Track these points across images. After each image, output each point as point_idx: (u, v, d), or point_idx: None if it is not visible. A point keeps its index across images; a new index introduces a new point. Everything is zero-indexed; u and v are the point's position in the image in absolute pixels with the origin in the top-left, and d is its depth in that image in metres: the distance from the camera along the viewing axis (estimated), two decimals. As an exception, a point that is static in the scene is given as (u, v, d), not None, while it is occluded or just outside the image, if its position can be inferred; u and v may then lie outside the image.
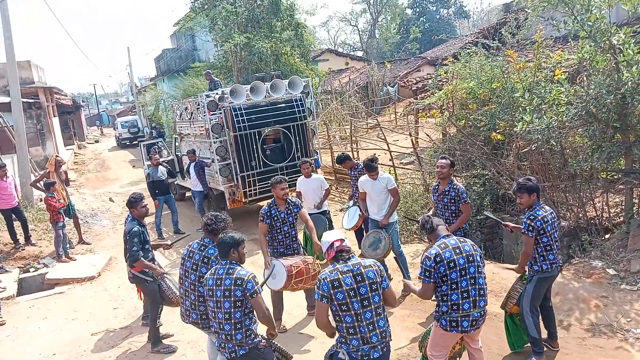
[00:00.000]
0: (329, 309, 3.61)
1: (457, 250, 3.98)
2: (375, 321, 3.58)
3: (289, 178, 10.25)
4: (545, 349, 4.97)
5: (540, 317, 4.92)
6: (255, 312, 3.97)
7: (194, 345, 6.02)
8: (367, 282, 3.56)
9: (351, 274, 3.56)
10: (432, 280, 3.98)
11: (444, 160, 6.06)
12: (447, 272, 3.94)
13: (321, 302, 3.58)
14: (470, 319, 4.00)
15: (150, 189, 10.99)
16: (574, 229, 7.61)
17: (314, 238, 6.17)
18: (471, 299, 3.98)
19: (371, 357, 3.56)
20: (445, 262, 3.93)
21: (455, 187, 5.98)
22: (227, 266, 3.96)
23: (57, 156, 11.23)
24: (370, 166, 6.71)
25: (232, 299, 3.85)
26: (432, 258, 3.96)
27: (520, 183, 4.80)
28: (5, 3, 12.26)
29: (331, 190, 10.28)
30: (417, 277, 4.17)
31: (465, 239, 4.14)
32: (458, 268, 3.94)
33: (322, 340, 5.79)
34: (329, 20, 68.00)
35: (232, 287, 3.85)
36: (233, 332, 3.90)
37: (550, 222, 4.72)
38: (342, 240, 3.71)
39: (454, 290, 3.96)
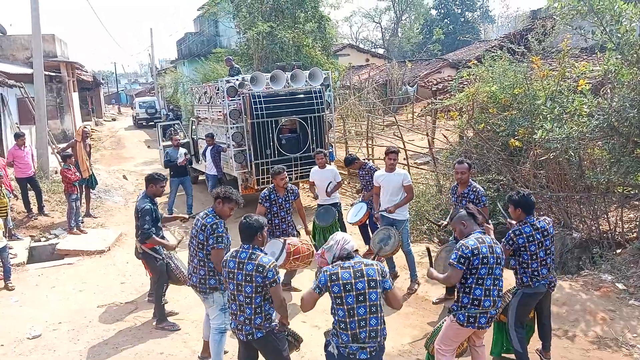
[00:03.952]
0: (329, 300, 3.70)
1: (491, 250, 4.09)
2: (367, 318, 3.58)
3: (302, 169, 10.51)
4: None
5: (528, 331, 4.93)
6: (272, 300, 4.01)
7: (198, 324, 6.06)
8: (365, 278, 3.60)
9: (351, 269, 3.63)
10: (463, 267, 4.06)
11: (462, 165, 5.98)
12: (479, 266, 4.04)
13: (314, 291, 3.68)
14: (488, 316, 4.11)
15: (167, 167, 11.09)
16: (585, 241, 7.55)
17: (305, 225, 7.08)
18: (492, 298, 4.09)
19: (357, 357, 3.57)
20: (480, 256, 4.03)
21: (474, 189, 5.96)
22: (250, 251, 4.00)
23: (85, 127, 11.39)
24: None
25: (254, 284, 3.90)
26: (470, 248, 4.04)
27: (510, 194, 4.86)
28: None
29: (343, 185, 10.29)
30: (449, 263, 4.21)
31: (497, 242, 4.24)
32: (488, 266, 4.05)
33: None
34: (352, 15, 67.58)
35: (254, 273, 3.89)
36: (253, 317, 3.95)
37: (536, 241, 4.61)
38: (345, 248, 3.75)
39: (479, 285, 4.06)
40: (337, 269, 3.63)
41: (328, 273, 3.63)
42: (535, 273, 4.66)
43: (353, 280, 3.58)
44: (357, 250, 3.80)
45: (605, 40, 6.71)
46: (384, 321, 3.69)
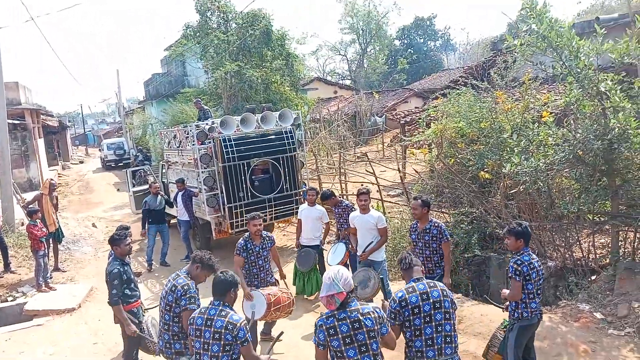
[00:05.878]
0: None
1: (425, 296, 3.90)
2: None
3: (276, 209, 10.43)
4: None
5: None
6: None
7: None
8: (364, 329, 3.54)
9: (348, 320, 3.54)
10: (397, 322, 3.91)
11: (416, 202, 6.14)
12: (411, 317, 3.87)
13: (319, 348, 3.59)
14: None
15: (144, 217, 10.85)
16: (560, 269, 7.64)
17: (280, 272, 6.81)
18: (436, 347, 3.90)
19: None
20: (410, 307, 3.87)
21: (436, 225, 6.04)
22: (220, 308, 3.89)
23: (51, 180, 11.14)
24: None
25: (222, 342, 3.80)
26: (398, 301, 3.91)
27: (510, 226, 4.86)
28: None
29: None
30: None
31: (437, 284, 4.04)
32: (422, 315, 3.87)
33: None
34: (318, 49, 68.58)
35: (223, 331, 3.79)
36: None
37: (536, 269, 4.69)
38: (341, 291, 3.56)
39: (418, 337, 3.90)
40: (334, 322, 3.54)
41: (325, 327, 3.54)
42: (533, 305, 4.68)
43: (352, 333, 3.52)
44: (350, 295, 3.62)
45: (565, 74, 6.93)
46: None
